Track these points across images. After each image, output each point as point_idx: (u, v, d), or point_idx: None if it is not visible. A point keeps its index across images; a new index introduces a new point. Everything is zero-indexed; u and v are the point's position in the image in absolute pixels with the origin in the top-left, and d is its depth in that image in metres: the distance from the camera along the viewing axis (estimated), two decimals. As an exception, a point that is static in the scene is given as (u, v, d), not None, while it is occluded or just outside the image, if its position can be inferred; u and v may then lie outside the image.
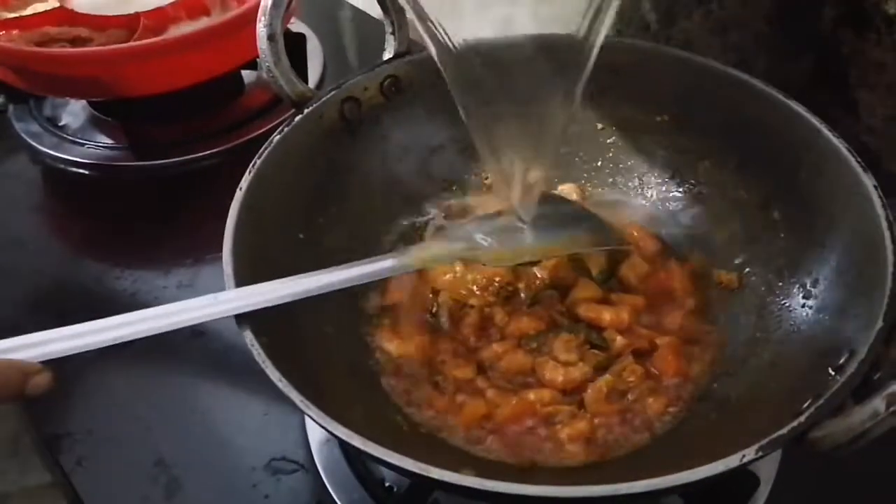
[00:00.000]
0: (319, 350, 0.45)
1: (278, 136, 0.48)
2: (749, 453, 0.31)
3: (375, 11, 0.93)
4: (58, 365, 0.50)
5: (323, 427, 0.34)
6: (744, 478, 0.43)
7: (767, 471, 0.45)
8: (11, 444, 0.79)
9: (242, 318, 0.39)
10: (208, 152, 0.74)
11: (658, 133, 0.55)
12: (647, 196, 0.57)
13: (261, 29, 0.50)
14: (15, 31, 0.75)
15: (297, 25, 0.87)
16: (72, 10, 0.76)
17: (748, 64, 0.59)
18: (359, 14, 0.94)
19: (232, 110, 0.80)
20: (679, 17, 0.62)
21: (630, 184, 0.57)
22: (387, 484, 0.47)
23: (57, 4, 0.76)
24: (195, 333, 0.58)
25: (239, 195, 0.45)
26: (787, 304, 0.46)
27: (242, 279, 0.40)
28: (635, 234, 0.54)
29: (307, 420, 0.51)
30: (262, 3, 0.50)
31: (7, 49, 0.69)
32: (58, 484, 0.57)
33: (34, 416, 0.54)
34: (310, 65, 0.82)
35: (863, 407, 0.31)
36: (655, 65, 0.53)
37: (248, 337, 0.38)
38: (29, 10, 0.78)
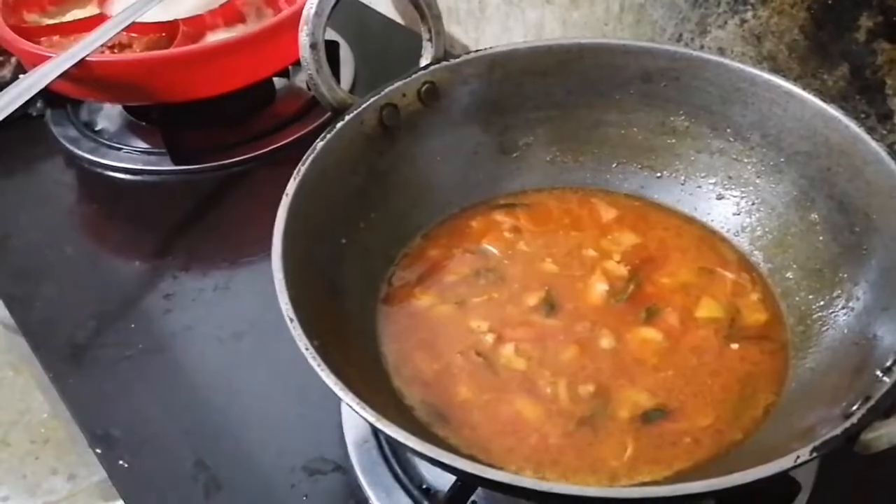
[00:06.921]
0: (365, 349, 0.46)
1: (321, 143, 0.48)
2: (803, 454, 0.31)
3: (404, 19, 0.95)
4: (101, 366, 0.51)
5: (379, 429, 0.34)
6: (786, 483, 0.43)
7: (805, 478, 0.45)
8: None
9: (293, 321, 0.39)
10: (241, 158, 0.74)
11: (693, 136, 0.56)
12: (682, 198, 0.57)
13: (303, 37, 0.51)
14: (55, 37, 0.76)
15: (328, 33, 0.87)
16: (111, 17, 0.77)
17: (783, 73, 0.59)
18: (388, 22, 0.95)
19: (263, 118, 0.80)
20: (713, 26, 0.62)
21: (665, 186, 0.58)
22: (424, 486, 0.47)
23: (97, 11, 0.77)
24: (234, 334, 0.59)
25: (286, 201, 0.45)
26: (828, 307, 0.46)
27: (291, 285, 0.40)
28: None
29: (344, 421, 0.52)
30: (304, 12, 0.51)
31: (49, 56, 0.70)
32: (99, 483, 0.58)
33: (76, 417, 0.55)
34: (342, 72, 0.83)
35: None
36: (690, 69, 0.53)
37: (302, 341, 0.37)
38: (68, 17, 0.79)
